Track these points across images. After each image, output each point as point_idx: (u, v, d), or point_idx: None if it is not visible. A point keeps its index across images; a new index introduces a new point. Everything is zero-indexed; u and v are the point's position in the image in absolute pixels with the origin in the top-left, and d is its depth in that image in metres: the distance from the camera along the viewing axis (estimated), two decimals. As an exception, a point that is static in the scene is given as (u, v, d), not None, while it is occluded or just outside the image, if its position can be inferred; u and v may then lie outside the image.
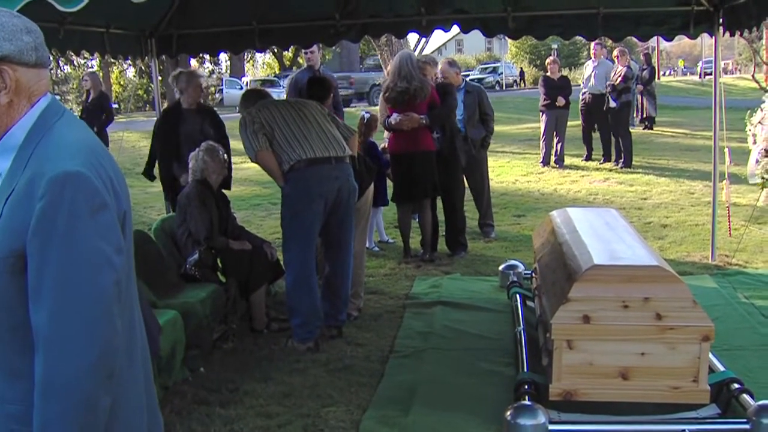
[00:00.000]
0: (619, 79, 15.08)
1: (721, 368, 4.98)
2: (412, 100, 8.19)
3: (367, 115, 8.87)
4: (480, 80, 38.42)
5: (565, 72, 47.71)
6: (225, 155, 6.87)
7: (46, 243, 1.98)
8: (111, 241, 2.06)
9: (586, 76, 15.95)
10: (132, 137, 22.12)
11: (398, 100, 8.27)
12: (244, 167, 15.06)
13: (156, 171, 8.28)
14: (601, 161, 15.70)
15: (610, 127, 15.51)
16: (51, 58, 2.20)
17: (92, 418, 2.01)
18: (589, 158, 16.03)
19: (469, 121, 9.50)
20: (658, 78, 34.96)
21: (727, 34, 7.89)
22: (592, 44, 16.06)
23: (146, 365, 2.41)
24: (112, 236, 2.07)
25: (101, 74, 24.20)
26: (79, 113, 13.24)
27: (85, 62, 45.22)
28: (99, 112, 12.61)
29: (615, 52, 15.83)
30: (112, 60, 39.27)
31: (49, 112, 2.16)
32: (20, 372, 2.06)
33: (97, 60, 40.71)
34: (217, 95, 42.73)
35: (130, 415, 2.24)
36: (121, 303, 2.09)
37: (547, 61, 16.51)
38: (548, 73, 15.82)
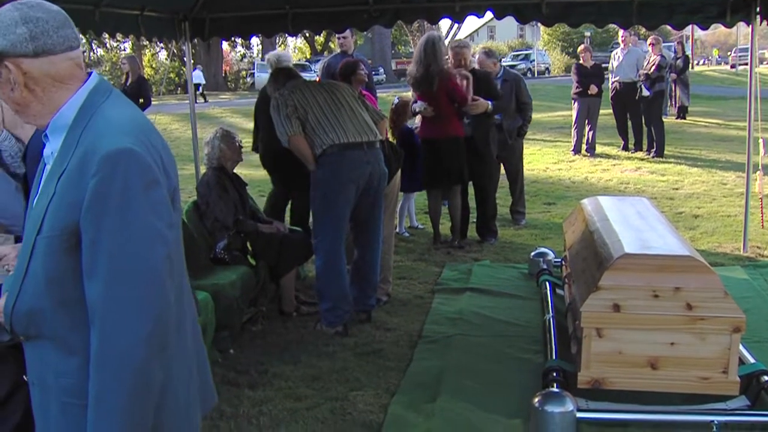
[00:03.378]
0: (653, 67, 14.97)
1: (752, 360, 4.94)
2: (429, 86, 8.18)
3: (396, 101, 8.91)
4: (512, 67, 38.26)
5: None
6: (241, 142, 6.85)
7: (100, 219, 2.03)
8: (163, 216, 2.11)
9: (615, 65, 15.81)
10: (163, 120, 22.26)
11: (419, 86, 8.28)
12: (275, 151, 15.07)
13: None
14: (633, 150, 15.59)
15: (642, 116, 15.40)
16: (76, 40, 2.23)
17: (145, 390, 2.06)
18: (626, 148, 15.87)
19: (506, 111, 9.45)
20: (692, 67, 34.55)
21: (765, 22, 7.80)
22: (620, 32, 15.90)
23: (197, 338, 2.46)
24: (164, 211, 2.12)
25: (134, 57, 24.32)
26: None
27: (118, 45, 45.57)
28: (137, 97, 12.66)
29: (649, 41, 15.69)
30: (145, 43, 39.50)
31: (97, 92, 2.23)
32: (73, 347, 2.13)
33: (130, 43, 41.00)
34: (248, 79, 42.78)
35: (179, 387, 2.28)
36: (173, 277, 2.14)
37: (580, 48, 16.39)
38: (581, 61, 15.70)
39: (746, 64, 47.66)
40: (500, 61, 10.15)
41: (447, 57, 8.71)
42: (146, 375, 2.05)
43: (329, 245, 6.14)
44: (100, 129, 2.12)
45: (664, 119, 15.97)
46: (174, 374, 2.24)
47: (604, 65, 16.40)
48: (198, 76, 37.07)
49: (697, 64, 57.18)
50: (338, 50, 9.70)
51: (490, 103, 8.43)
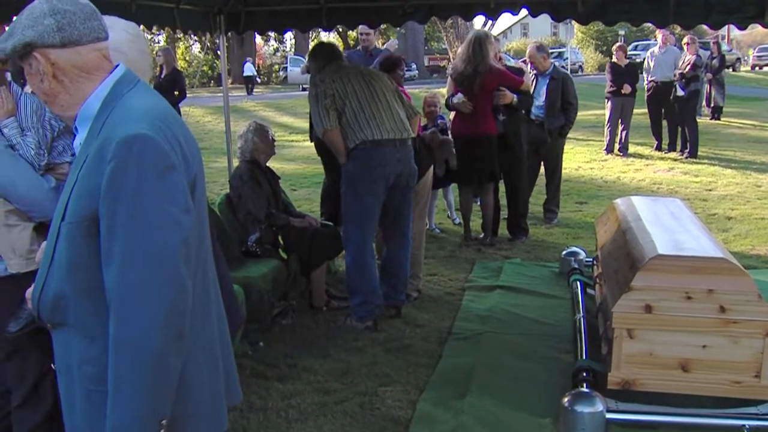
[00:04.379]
0: (688, 67, 14.85)
1: (785, 364, 4.90)
2: (472, 84, 8.18)
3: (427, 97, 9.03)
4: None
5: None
6: (274, 135, 6.84)
7: (115, 204, 2.05)
8: (178, 201, 2.11)
9: (652, 64, 15.70)
10: (196, 113, 22.36)
11: (462, 82, 8.28)
12: (306, 145, 15.11)
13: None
14: (666, 150, 15.49)
15: (676, 116, 15.29)
16: (104, 31, 2.26)
17: (162, 376, 2.07)
18: (659, 148, 15.77)
19: (550, 109, 9.44)
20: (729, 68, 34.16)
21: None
22: (658, 31, 15.78)
23: (222, 329, 2.47)
24: (180, 197, 2.12)
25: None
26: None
27: (152, 38, 45.79)
28: (172, 89, 12.71)
29: (685, 40, 15.56)
30: (179, 36, 39.74)
31: (122, 83, 2.26)
32: (95, 334, 2.15)
33: (164, 36, 41.28)
34: (281, 73, 42.90)
35: (203, 376, 2.29)
36: (190, 264, 2.14)
37: (614, 47, 16.26)
38: (615, 60, 15.58)
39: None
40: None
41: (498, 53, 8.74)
42: (162, 361, 2.06)
43: (359, 240, 6.15)
44: (120, 117, 2.15)
45: (698, 120, 15.85)
46: (198, 363, 2.26)
47: (639, 61, 16.28)
48: (249, 68, 37.84)
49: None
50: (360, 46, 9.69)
51: (515, 96, 8.39)
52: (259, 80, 35.76)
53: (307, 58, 6.53)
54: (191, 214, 2.15)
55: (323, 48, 6.69)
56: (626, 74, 15.07)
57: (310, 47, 6.68)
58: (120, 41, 2.71)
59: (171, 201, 2.09)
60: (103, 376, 2.10)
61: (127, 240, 2.05)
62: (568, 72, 13.00)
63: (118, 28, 2.76)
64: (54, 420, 3.43)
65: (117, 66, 2.30)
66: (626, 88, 14.83)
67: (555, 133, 9.61)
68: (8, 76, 3.78)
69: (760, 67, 48.57)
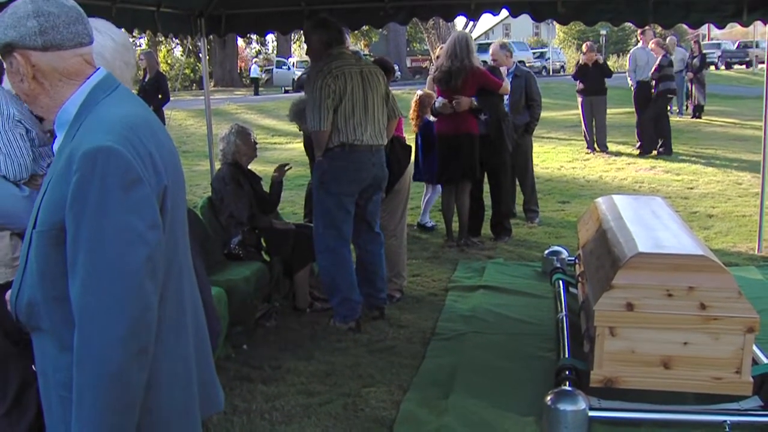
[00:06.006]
0: (654, 68, 15.14)
1: (765, 360, 4.94)
2: (456, 81, 8.21)
3: (420, 92, 9.01)
4: (522, 63, 38.14)
5: (613, 59, 47.11)
6: (255, 138, 6.82)
7: (80, 216, 2.03)
8: (144, 216, 2.08)
9: (637, 64, 15.81)
10: (179, 116, 22.30)
11: (443, 80, 8.32)
12: (289, 147, 15.15)
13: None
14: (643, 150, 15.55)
15: (647, 114, 15.46)
16: (88, 36, 2.25)
17: (124, 392, 2.05)
18: (641, 147, 15.84)
19: (514, 106, 9.49)
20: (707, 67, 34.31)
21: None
22: (638, 31, 15.90)
23: (200, 339, 2.45)
24: (146, 211, 2.09)
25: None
26: (136, 93, 13.37)
27: (133, 41, 45.64)
28: (155, 92, 12.69)
29: (651, 45, 15.65)
30: (161, 39, 39.59)
31: (99, 89, 2.24)
32: (66, 343, 2.13)
33: (146, 39, 41.10)
34: (263, 75, 42.85)
35: (176, 390, 2.28)
36: (156, 279, 2.12)
37: (584, 46, 16.24)
38: (583, 61, 15.53)
39: (741, 63, 47.44)
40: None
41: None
42: (123, 377, 2.03)
43: (333, 240, 6.15)
44: (90, 126, 2.13)
45: (679, 118, 15.96)
46: (169, 377, 2.24)
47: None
48: (255, 71, 38.64)
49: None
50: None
51: (474, 99, 8.40)
52: (258, 83, 36.46)
53: (311, 30, 6.21)
54: (158, 228, 2.12)
55: (334, 24, 6.35)
56: (593, 73, 15.18)
57: (314, 22, 6.21)
58: (105, 47, 2.69)
59: (136, 215, 2.06)
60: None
61: (91, 254, 2.02)
62: (550, 72, 13.03)
63: (106, 35, 2.74)
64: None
65: (97, 69, 2.28)
66: (584, 59, 15.15)
67: (521, 130, 9.63)
68: None
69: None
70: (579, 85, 15.45)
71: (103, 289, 2.02)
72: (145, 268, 2.06)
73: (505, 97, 9.29)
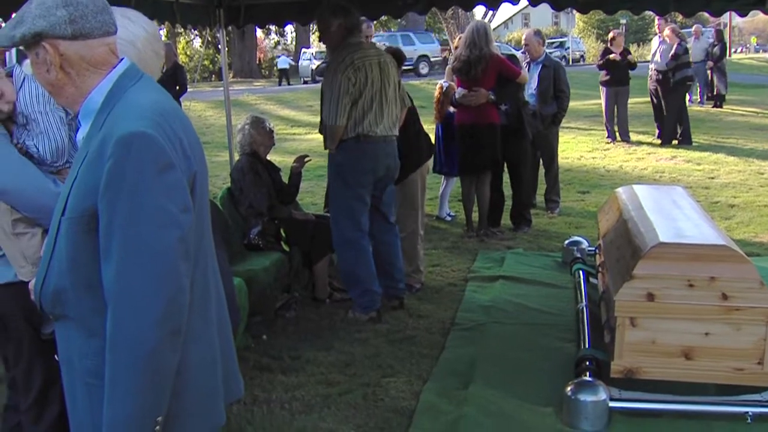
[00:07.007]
0: (670, 57, 15.04)
1: (787, 351, 4.90)
2: (475, 70, 8.19)
3: (446, 85, 9.00)
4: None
5: (633, 48, 46.85)
6: (271, 126, 6.84)
7: (114, 201, 2.05)
8: (176, 200, 2.11)
9: (652, 53, 15.71)
10: (198, 107, 22.33)
11: (462, 69, 8.30)
12: (308, 138, 15.14)
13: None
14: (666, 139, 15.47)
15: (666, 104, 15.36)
16: (114, 25, 2.26)
17: (157, 374, 2.07)
18: (661, 137, 15.76)
19: (541, 96, 9.43)
20: (729, 55, 34.06)
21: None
22: (656, 20, 15.79)
23: (223, 327, 2.46)
24: (178, 195, 2.12)
25: (169, 44, 24.42)
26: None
27: (153, 32, 45.71)
28: (173, 83, 12.71)
29: (666, 31, 15.54)
30: (180, 30, 39.69)
31: (126, 77, 2.26)
32: (95, 330, 2.15)
33: (165, 30, 41.24)
34: (291, 64, 42.84)
35: (202, 374, 2.29)
36: (188, 261, 2.14)
37: (610, 35, 16.17)
38: (610, 47, 15.51)
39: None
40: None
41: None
42: (158, 358, 2.05)
43: (351, 231, 6.16)
44: (120, 113, 2.15)
45: (699, 108, 15.85)
46: (195, 360, 2.25)
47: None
48: (284, 62, 38.88)
49: (735, 51, 56.25)
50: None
51: (490, 93, 8.37)
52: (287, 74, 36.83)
53: (331, 16, 6.07)
54: (190, 212, 2.15)
55: (354, 10, 6.29)
56: (620, 64, 15.05)
57: (334, 7, 5.96)
58: (137, 36, 2.72)
59: (169, 199, 2.09)
60: (101, 371, 2.10)
61: (125, 237, 2.04)
62: (570, 61, 12.97)
63: (138, 24, 2.77)
64: (61, 429, 3.41)
65: (122, 60, 2.30)
66: (615, 56, 14.88)
67: (548, 121, 9.57)
68: (12, 57, 3.62)
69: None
70: (604, 77, 15.26)
71: (139, 271, 2.04)
72: (179, 250, 2.09)
73: (533, 87, 9.25)
